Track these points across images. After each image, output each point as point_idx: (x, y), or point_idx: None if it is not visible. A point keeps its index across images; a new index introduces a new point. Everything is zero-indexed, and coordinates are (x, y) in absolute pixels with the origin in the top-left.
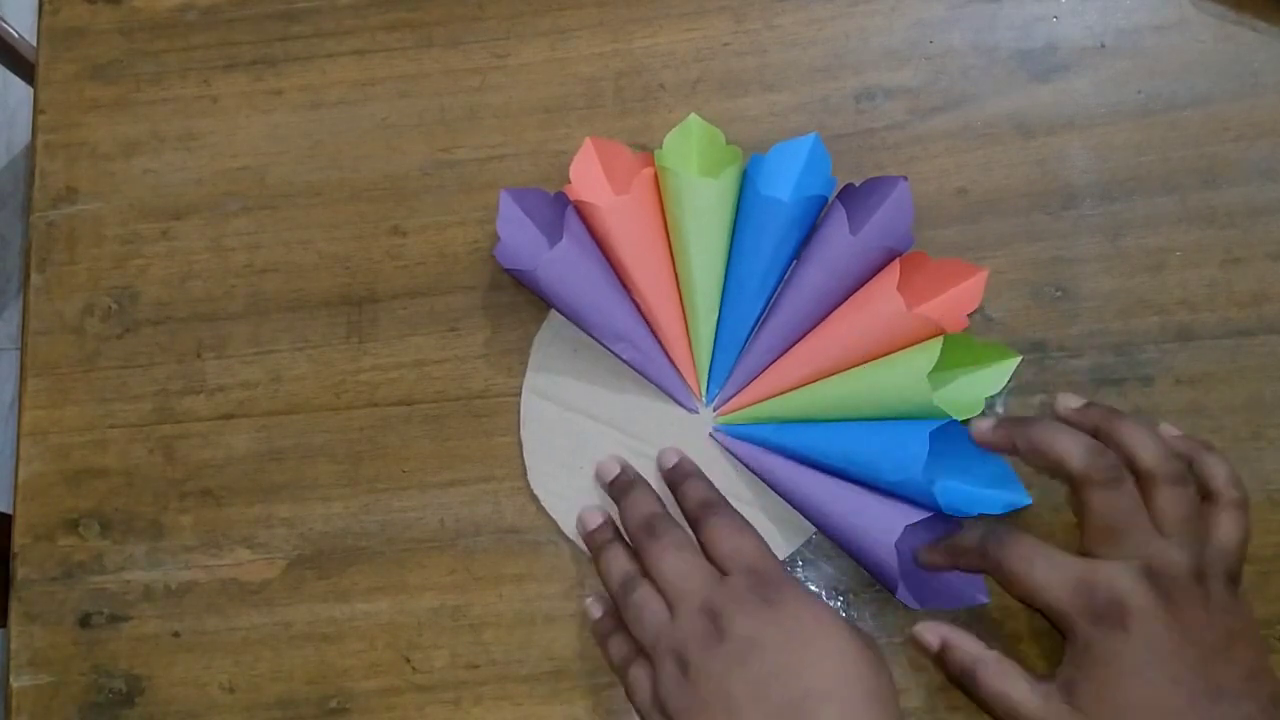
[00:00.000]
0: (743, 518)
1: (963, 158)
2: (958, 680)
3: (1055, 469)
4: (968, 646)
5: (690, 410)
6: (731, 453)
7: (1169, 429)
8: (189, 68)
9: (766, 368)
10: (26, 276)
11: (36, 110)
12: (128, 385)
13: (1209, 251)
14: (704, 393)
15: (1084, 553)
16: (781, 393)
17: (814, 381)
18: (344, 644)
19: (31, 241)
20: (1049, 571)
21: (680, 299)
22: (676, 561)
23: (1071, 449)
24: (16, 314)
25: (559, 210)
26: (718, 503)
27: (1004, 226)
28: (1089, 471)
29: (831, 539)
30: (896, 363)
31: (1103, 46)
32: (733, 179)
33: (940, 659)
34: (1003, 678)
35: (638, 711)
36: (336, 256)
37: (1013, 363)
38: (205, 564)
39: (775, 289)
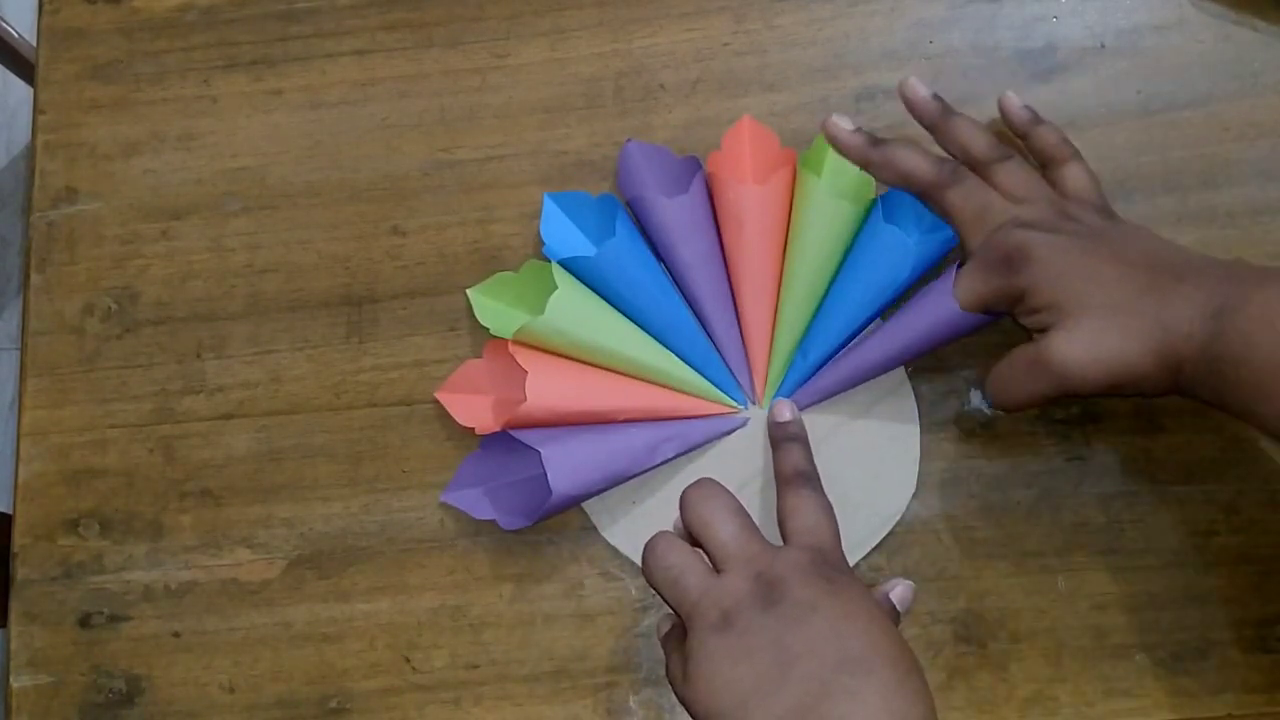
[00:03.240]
0: (828, 501)
1: None
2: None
3: (905, 182)
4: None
5: (738, 406)
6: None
7: (1011, 99)
8: (189, 68)
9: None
10: (26, 276)
11: (36, 110)
12: (128, 385)
13: (1209, 251)
14: (769, 396)
15: (967, 256)
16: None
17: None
18: (344, 644)
19: (31, 241)
20: (961, 287)
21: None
22: (733, 526)
23: (919, 163)
24: (16, 314)
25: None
26: (812, 476)
27: None
28: (936, 178)
29: (919, 353)
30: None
31: (1103, 46)
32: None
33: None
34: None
35: (669, 678)
36: (336, 256)
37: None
38: (205, 564)
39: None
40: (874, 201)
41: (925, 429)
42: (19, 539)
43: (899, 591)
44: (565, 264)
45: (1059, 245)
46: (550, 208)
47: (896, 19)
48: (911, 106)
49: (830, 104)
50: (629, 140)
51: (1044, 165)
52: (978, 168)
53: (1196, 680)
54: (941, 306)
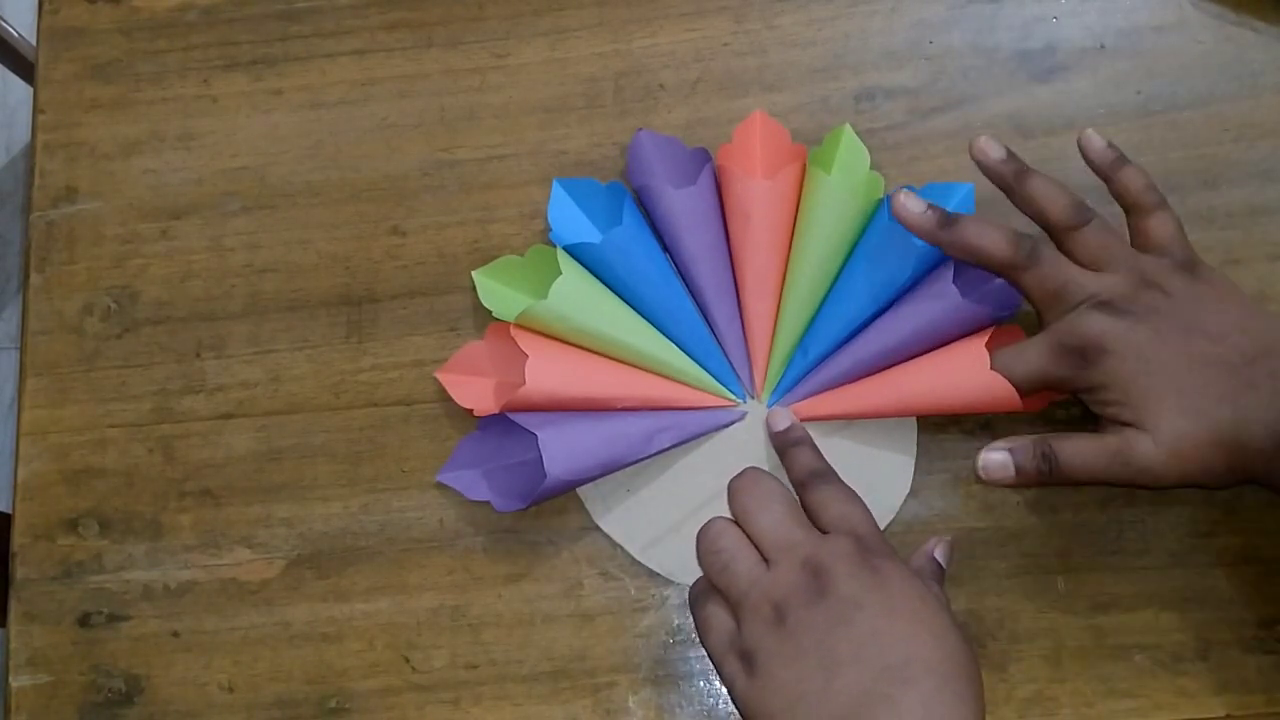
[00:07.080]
0: (851, 489)
1: (963, 158)
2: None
3: (979, 261)
4: None
5: (736, 399)
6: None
7: (1093, 139)
8: (189, 68)
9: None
10: (26, 276)
11: (36, 110)
12: (127, 385)
13: (1209, 252)
14: (768, 390)
15: (1044, 327)
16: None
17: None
18: (343, 644)
19: (31, 241)
20: (1026, 362)
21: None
22: (779, 514)
23: (994, 243)
24: (16, 314)
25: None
26: (826, 471)
27: None
28: (1012, 259)
29: (917, 349)
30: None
31: (1102, 47)
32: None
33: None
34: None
35: (708, 652)
36: (336, 256)
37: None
38: (205, 564)
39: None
40: (881, 200)
41: (925, 429)
42: (18, 538)
43: (941, 550)
44: (570, 250)
45: (1135, 337)
46: (558, 193)
47: (896, 19)
48: (984, 170)
49: (830, 104)
50: (640, 129)
51: (1127, 211)
52: (1054, 233)
53: (1196, 680)
54: (939, 302)
